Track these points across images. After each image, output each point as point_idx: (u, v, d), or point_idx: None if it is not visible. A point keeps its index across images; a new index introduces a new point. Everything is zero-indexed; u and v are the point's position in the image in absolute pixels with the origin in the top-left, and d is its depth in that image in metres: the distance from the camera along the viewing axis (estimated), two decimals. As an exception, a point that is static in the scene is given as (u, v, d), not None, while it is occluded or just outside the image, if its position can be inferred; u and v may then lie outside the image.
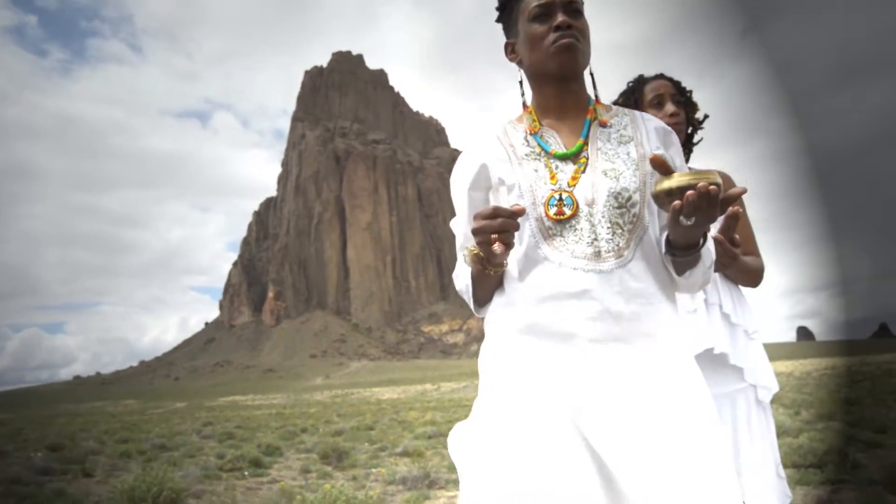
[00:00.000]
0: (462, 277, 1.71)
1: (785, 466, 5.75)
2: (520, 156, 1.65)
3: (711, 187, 1.34)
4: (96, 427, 30.35)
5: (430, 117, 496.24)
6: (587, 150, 1.63)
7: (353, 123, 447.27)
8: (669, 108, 2.53)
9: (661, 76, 2.64)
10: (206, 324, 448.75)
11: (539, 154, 1.64)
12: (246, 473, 10.49)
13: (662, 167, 1.42)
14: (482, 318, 1.71)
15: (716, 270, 2.32)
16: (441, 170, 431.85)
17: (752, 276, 2.51)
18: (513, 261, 1.60)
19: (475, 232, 1.44)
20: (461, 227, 1.75)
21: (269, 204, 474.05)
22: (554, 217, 1.55)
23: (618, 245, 1.54)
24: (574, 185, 1.58)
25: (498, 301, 1.65)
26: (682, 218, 1.40)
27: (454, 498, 7.49)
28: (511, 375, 1.55)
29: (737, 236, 1.96)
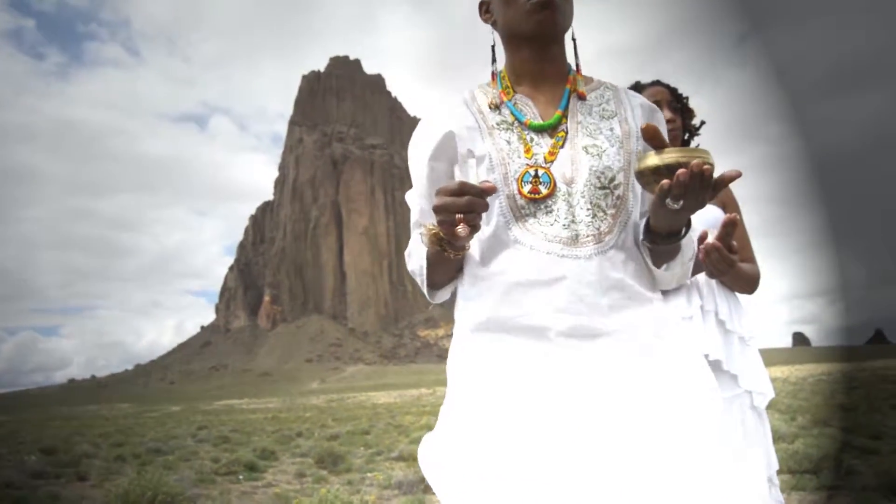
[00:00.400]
0: (416, 257, 1.54)
1: (780, 472, 5.75)
2: (490, 125, 1.48)
3: (705, 166, 1.22)
4: (91, 430, 30.24)
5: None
6: (566, 123, 1.48)
7: (350, 128, 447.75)
8: (666, 114, 2.49)
9: (657, 82, 2.60)
10: (202, 327, 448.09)
11: (512, 124, 1.48)
12: (241, 477, 10.45)
13: (656, 139, 1.28)
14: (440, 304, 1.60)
15: (712, 277, 2.30)
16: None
17: (749, 283, 2.48)
18: (477, 242, 1.45)
19: (437, 209, 1.28)
20: (418, 201, 1.59)
21: (265, 208, 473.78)
22: (528, 195, 1.40)
23: (598, 229, 1.40)
24: (551, 161, 1.43)
25: (461, 292, 1.52)
26: (669, 200, 1.27)
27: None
28: (476, 379, 1.41)
29: (734, 243, 1.87)
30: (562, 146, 1.44)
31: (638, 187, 1.47)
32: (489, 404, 1.36)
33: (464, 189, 1.25)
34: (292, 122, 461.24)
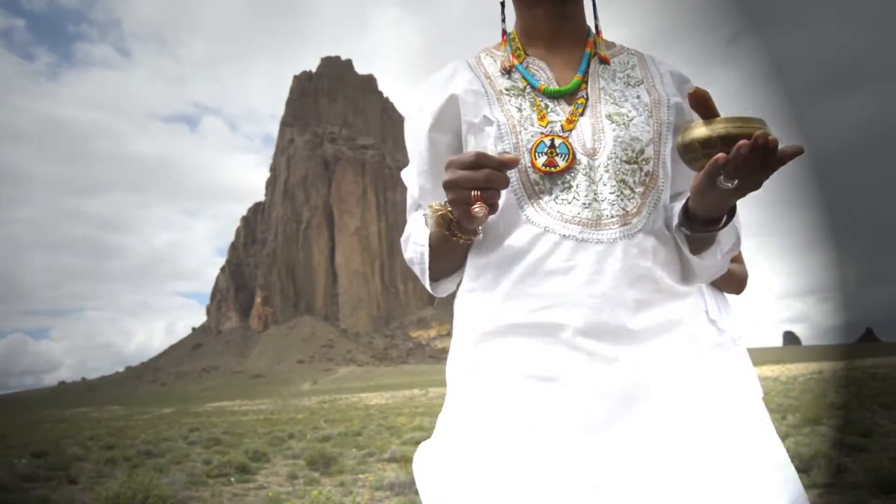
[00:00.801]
0: (415, 243, 1.32)
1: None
2: (498, 90, 1.29)
3: (770, 138, 0.98)
4: (81, 433, 30.10)
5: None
6: (586, 89, 1.29)
7: (341, 128, 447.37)
8: None
9: None
10: (193, 329, 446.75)
11: (523, 90, 1.28)
12: (233, 480, 10.43)
13: (705, 106, 1.06)
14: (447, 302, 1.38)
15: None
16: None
17: (737, 284, 2.46)
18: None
19: (449, 186, 1.10)
20: (416, 180, 1.38)
21: (257, 209, 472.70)
22: (543, 169, 1.20)
23: (624, 209, 1.20)
24: (570, 131, 1.23)
25: (464, 286, 1.31)
26: (721, 178, 1.04)
27: None
28: (478, 390, 1.21)
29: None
30: (581, 114, 1.25)
31: (669, 164, 1.28)
32: (491, 423, 1.17)
33: (481, 161, 1.07)
34: (283, 123, 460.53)
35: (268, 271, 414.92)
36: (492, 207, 1.08)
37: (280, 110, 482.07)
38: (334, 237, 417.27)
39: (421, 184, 1.37)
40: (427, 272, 1.29)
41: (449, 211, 1.16)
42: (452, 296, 1.33)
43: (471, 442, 1.17)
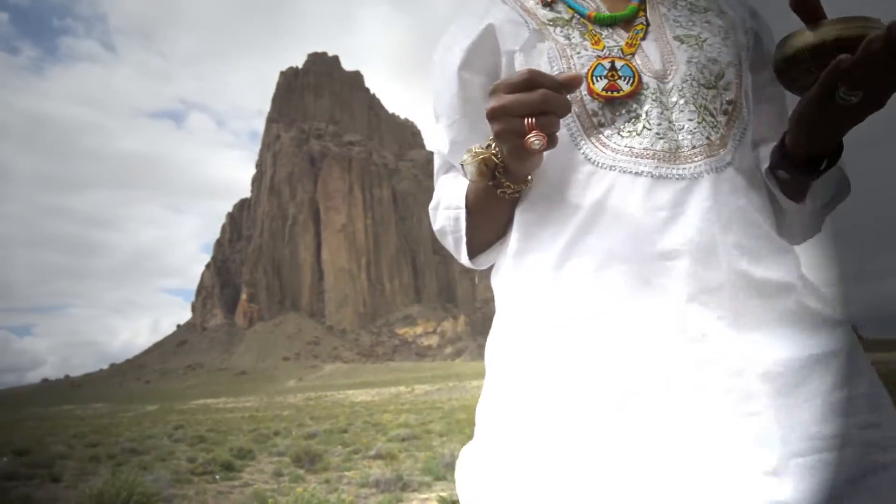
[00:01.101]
0: (447, 208, 1.07)
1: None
2: (540, 22, 1.02)
3: None
4: (65, 431, 29.97)
5: (406, 120, 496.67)
6: (644, 15, 1.03)
7: (328, 125, 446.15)
8: None
9: None
10: (178, 326, 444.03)
11: (570, 20, 1.02)
12: (217, 477, 10.43)
13: (811, 9, 0.84)
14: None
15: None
16: (416, 172, 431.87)
17: None
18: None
19: (496, 114, 0.84)
20: (446, 133, 1.10)
21: (242, 205, 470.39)
22: (603, 94, 0.95)
23: (708, 138, 0.94)
24: (631, 54, 0.98)
25: (510, 251, 1.00)
26: (841, 91, 0.82)
27: (427, 500, 7.51)
28: (535, 379, 0.89)
29: None
30: (643, 38, 1.00)
31: (751, 97, 1.03)
32: (556, 423, 0.85)
33: (535, 79, 0.82)
34: (270, 119, 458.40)
35: (253, 268, 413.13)
36: (550, 139, 0.83)
37: (266, 106, 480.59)
38: (320, 234, 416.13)
39: (452, 137, 1.09)
40: (464, 241, 1.04)
41: (494, 153, 0.90)
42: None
43: (531, 458, 0.86)
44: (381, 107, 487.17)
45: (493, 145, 0.90)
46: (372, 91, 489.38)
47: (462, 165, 0.94)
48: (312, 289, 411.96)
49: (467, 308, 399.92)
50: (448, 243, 1.08)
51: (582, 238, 0.91)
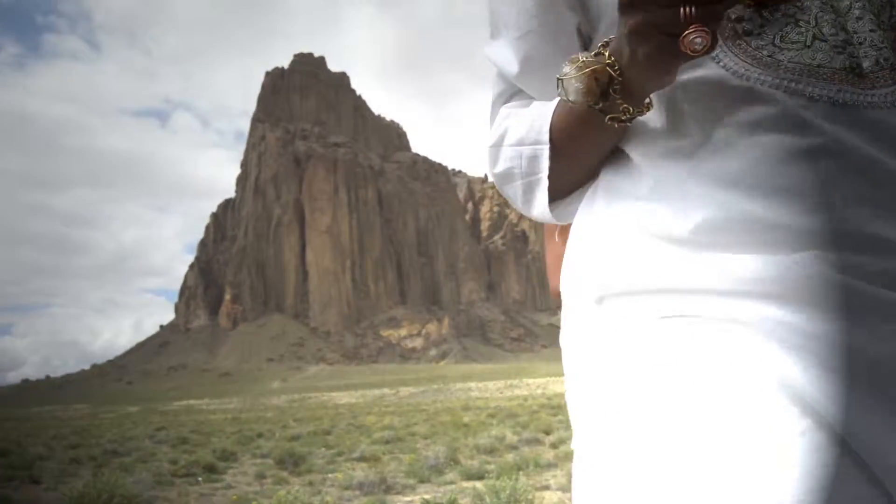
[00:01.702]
0: (518, 142, 0.80)
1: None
2: None
3: None
4: (45, 432, 29.74)
5: (392, 121, 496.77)
6: None
7: (313, 126, 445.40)
8: None
9: None
10: (161, 326, 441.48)
11: None
12: (200, 479, 10.40)
13: None
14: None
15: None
16: (401, 174, 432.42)
17: None
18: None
19: (638, 3, 0.57)
20: (514, 49, 0.81)
21: (227, 205, 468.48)
22: None
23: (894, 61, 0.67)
24: None
25: (601, 200, 0.76)
26: None
27: (411, 503, 7.52)
28: (648, 378, 0.65)
29: None
30: None
31: None
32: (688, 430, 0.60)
33: None
34: (255, 119, 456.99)
35: (237, 269, 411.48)
36: (713, 37, 0.56)
37: (252, 106, 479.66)
38: (305, 235, 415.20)
39: (525, 52, 0.80)
40: (543, 186, 0.78)
41: (609, 62, 0.65)
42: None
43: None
44: (367, 108, 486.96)
45: (608, 53, 0.65)
46: (358, 92, 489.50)
47: (560, 81, 0.68)
48: (297, 290, 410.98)
49: (452, 310, 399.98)
50: (513, 191, 0.82)
51: (723, 187, 0.65)
